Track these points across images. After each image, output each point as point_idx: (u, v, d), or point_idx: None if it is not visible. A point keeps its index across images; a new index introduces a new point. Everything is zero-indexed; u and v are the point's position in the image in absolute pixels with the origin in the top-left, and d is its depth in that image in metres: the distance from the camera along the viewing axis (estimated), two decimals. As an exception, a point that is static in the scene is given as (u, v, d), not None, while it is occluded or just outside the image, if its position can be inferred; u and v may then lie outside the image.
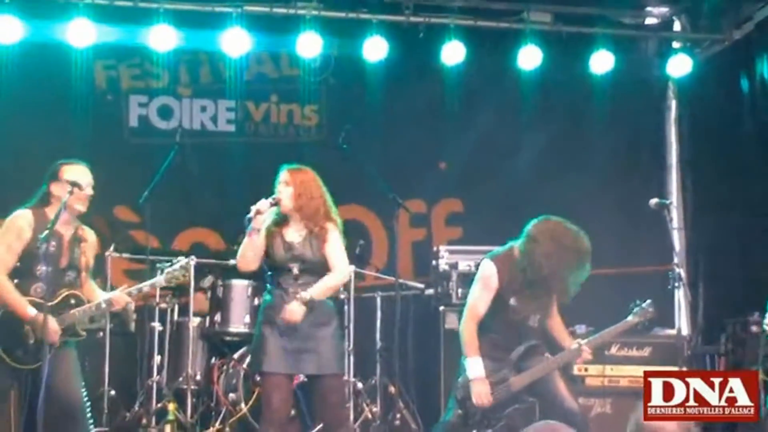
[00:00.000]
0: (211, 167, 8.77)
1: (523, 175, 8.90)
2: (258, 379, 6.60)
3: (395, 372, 7.45)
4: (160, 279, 6.01)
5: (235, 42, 8.03)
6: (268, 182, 5.94)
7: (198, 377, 7.64)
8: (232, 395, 7.38)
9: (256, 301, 7.46)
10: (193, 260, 7.02)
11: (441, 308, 7.82)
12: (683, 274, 6.62)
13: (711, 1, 8.69)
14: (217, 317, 7.67)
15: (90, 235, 5.94)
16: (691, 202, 9.15)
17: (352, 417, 7.48)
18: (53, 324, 5.57)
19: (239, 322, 7.64)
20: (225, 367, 7.55)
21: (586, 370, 7.42)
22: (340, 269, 5.89)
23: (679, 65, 8.74)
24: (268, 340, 5.75)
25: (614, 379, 7.52)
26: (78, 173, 5.77)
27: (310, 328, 5.74)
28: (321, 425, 6.25)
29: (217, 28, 8.05)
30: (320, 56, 8.47)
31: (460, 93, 8.62)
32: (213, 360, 7.73)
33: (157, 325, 7.68)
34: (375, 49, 8.18)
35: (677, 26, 9.00)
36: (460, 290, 7.67)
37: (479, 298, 5.99)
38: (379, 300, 8.05)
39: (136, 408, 7.54)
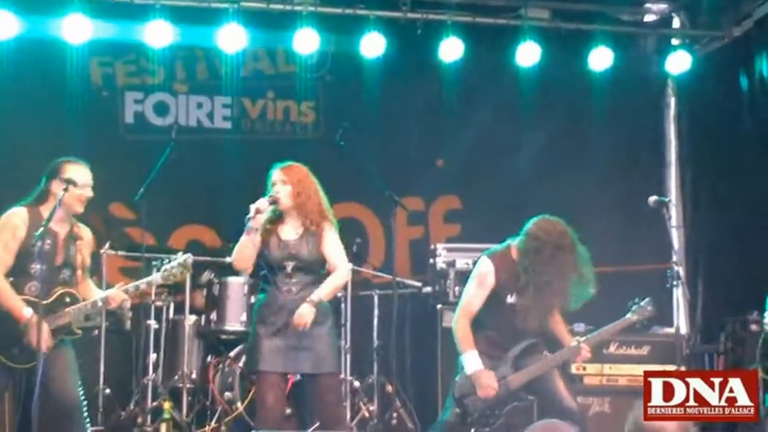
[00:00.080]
0: (207, 164, 8.73)
1: (522, 172, 8.88)
2: (253, 378, 6.56)
3: (392, 371, 7.44)
4: (156, 276, 5.96)
5: (232, 38, 8.00)
6: (265, 179, 5.92)
7: (194, 376, 7.63)
8: (228, 394, 7.36)
9: (252, 299, 7.42)
10: (190, 258, 6.98)
11: (438, 306, 7.80)
12: (682, 272, 6.62)
13: (710, -2, 8.69)
14: (213, 315, 7.65)
15: (86, 232, 5.92)
16: (690, 199, 9.14)
17: (348, 416, 7.45)
18: (47, 331, 5.52)
19: (235, 321, 7.61)
20: (221, 366, 7.53)
21: (584, 368, 7.40)
22: (343, 268, 5.90)
23: (679, 62, 8.72)
24: (262, 339, 5.73)
25: (613, 378, 7.50)
26: (79, 173, 5.74)
27: (305, 327, 5.69)
28: (318, 424, 6.23)
29: (213, 24, 8.02)
30: (317, 53, 8.43)
31: (458, 90, 8.60)
32: (209, 358, 7.71)
33: (152, 323, 7.64)
34: (372, 45, 8.15)
35: (676, 23, 8.98)
36: (457, 288, 7.63)
37: (474, 296, 5.97)
38: (376, 298, 8.02)
39: (132, 407, 7.51)
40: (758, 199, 8.34)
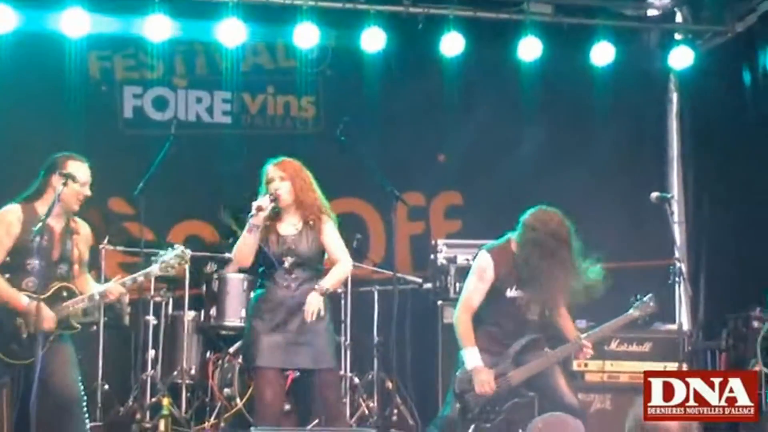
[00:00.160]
0: (207, 159, 8.70)
1: (523, 168, 8.83)
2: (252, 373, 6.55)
3: (392, 367, 7.41)
4: (154, 268, 5.91)
5: (231, 32, 7.98)
6: (265, 174, 5.90)
7: (193, 371, 7.64)
8: (227, 390, 7.36)
9: (251, 295, 7.40)
10: (188, 252, 6.96)
11: (439, 303, 7.78)
12: (684, 268, 6.61)
13: (713, -7, 8.66)
14: (213, 311, 7.63)
15: (83, 227, 5.89)
16: (692, 195, 9.12)
17: (348, 412, 7.45)
18: (47, 311, 5.51)
19: (235, 316, 7.60)
20: (220, 362, 7.53)
21: (585, 365, 7.37)
22: (345, 260, 5.89)
23: (681, 57, 8.69)
24: (259, 335, 5.71)
25: (614, 375, 7.47)
26: (79, 170, 5.71)
27: (303, 322, 5.68)
28: (317, 420, 6.21)
29: (212, 19, 8.00)
30: (317, 47, 8.40)
31: (459, 85, 8.57)
32: (208, 354, 7.71)
33: (151, 319, 7.64)
34: (373, 40, 8.12)
35: (679, 18, 8.95)
36: (458, 284, 7.59)
37: (474, 290, 5.96)
38: (376, 294, 8.00)
39: (130, 402, 7.50)
40: (761, 194, 8.32)
